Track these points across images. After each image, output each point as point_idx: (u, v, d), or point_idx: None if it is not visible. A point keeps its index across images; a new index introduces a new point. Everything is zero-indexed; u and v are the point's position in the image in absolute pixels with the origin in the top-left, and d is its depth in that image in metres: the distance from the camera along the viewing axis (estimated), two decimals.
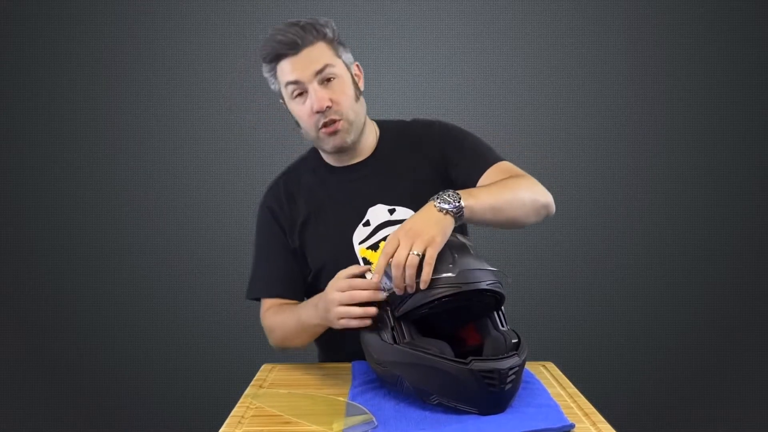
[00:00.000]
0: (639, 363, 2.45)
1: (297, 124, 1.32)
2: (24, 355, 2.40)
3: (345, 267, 1.12)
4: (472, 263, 1.01)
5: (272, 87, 1.31)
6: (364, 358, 1.15)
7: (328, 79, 1.24)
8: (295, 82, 1.24)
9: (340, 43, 1.28)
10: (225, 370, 2.32)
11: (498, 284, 1.02)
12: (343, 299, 1.06)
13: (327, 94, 1.24)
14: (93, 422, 2.41)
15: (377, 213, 1.30)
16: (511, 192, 1.16)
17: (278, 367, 1.30)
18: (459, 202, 1.05)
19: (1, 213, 2.38)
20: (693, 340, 2.46)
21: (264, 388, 1.16)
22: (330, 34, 1.26)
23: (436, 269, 0.99)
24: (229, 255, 2.40)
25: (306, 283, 1.36)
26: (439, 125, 1.37)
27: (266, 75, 1.29)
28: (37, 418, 2.40)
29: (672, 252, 2.45)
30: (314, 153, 1.40)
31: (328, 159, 1.37)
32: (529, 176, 1.25)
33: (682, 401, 2.46)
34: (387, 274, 1.02)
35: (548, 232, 2.41)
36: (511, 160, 1.38)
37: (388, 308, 1.03)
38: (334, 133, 1.26)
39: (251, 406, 1.04)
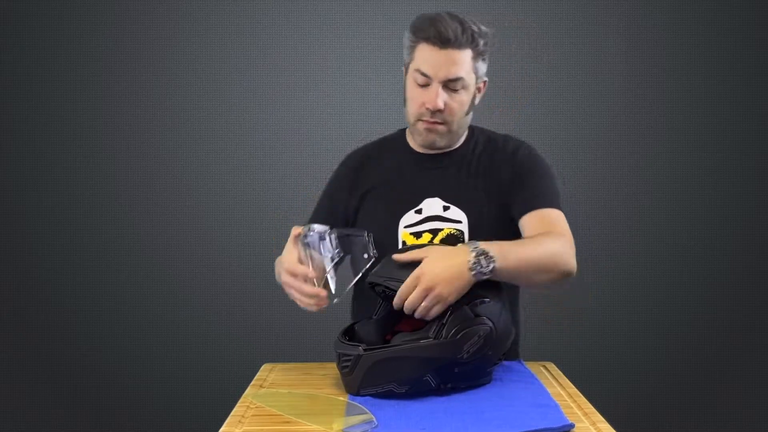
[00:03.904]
0: (639, 363, 2.45)
1: (404, 100, 1.36)
2: (24, 355, 2.40)
3: (386, 245, 1.22)
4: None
5: (404, 53, 1.33)
6: None
7: (454, 89, 1.28)
8: (424, 75, 1.26)
9: (484, 58, 1.31)
10: (225, 370, 2.32)
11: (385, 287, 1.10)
12: (288, 269, 1.15)
13: (445, 98, 1.27)
14: (93, 422, 2.41)
15: (431, 205, 1.33)
16: (538, 261, 1.17)
17: (278, 367, 1.30)
18: (491, 270, 1.07)
19: (1, 213, 2.38)
20: (693, 340, 2.46)
21: (264, 388, 1.16)
22: (482, 46, 1.28)
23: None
24: (229, 255, 2.40)
25: None
26: (523, 152, 1.37)
27: (405, 41, 1.32)
28: (37, 418, 2.40)
29: (672, 252, 2.45)
30: (402, 133, 1.45)
31: (412, 143, 1.41)
32: (563, 238, 1.24)
33: (682, 401, 2.46)
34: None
35: None
36: None
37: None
38: (431, 131, 1.31)
39: (251, 406, 1.04)
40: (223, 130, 2.40)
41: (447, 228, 1.32)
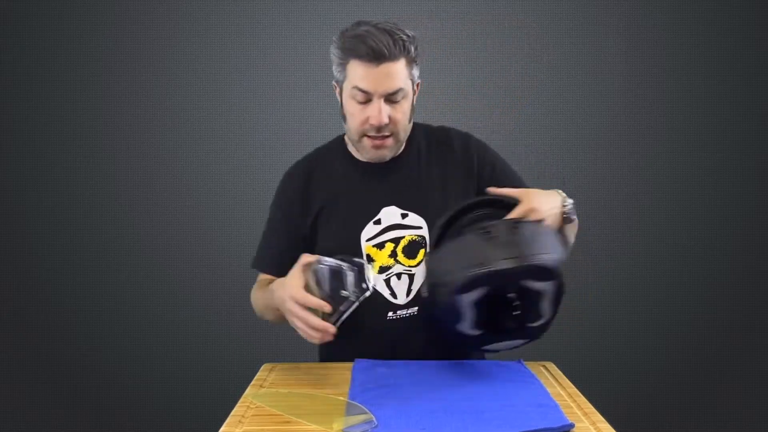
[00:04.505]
0: (639, 363, 2.45)
1: (342, 116, 1.33)
2: (24, 355, 2.40)
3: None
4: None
5: (334, 70, 1.30)
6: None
7: (395, 100, 1.26)
8: (364, 92, 1.24)
9: (416, 62, 1.29)
10: (225, 370, 2.32)
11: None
12: (297, 297, 1.10)
13: (388, 111, 1.26)
14: (93, 422, 2.41)
15: (389, 214, 1.32)
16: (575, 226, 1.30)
17: (278, 367, 1.30)
18: (572, 220, 1.21)
19: (1, 213, 2.38)
20: (693, 340, 2.46)
21: (264, 388, 1.16)
22: (413, 53, 1.27)
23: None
24: (229, 255, 2.39)
25: None
26: (476, 141, 1.39)
27: (334, 58, 1.29)
28: (38, 418, 2.40)
29: (672, 252, 2.45)
30: (340, 142, 1.42)
31: (355, 152, 1.38)
32: None
33: (682, 401, 2.46)
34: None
35: None
36: (511, 161, 1.40)
37: None
38: (379, 147, 1.29)
39: (251, 406, 1.04)
40: (223, 130, 2.40)
41: (408, 235, 1.31)
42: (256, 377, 1.22)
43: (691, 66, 2.42)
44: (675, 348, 2.46)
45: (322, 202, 1.35)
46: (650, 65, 2.41)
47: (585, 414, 1.01)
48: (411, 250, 1.31)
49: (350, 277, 1.09)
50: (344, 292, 1.08)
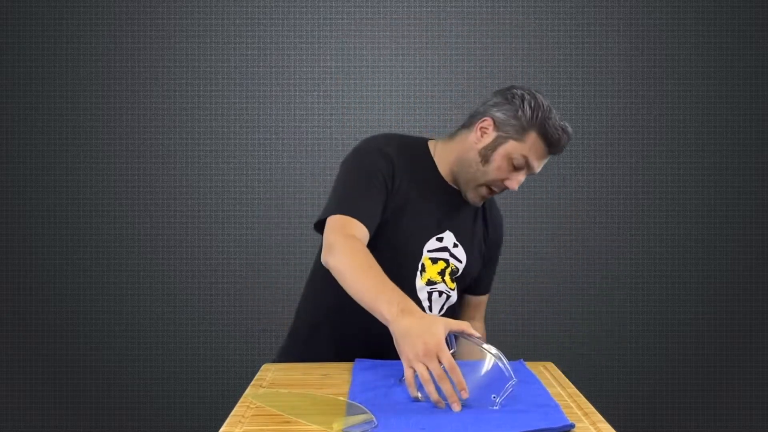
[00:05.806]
0: (639, 363, 2.45)
1: (482, 155, 1.34)
2: (24, 355, 2.40)
3: (405, 263, 1.32)
4: None
5: (506, 119, 1.33)
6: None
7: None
8: (528, 165, 1.33)
9: None
10: (225, 370, 2.32)
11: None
12: (448, 361, 0.99)
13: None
14: (93, 422, 2.41)
15: (448, 237, 1.39)
16: None
17: (278, 367, 1.30)
18: None
19: (1, 213, 2.38)
20: (693, 340, 2.46)
21: (264, 388, 1.16)
22: None
23: None
24: (229, 255, 2.40)
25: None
26: (502, 225, 1.54)
27: (519, 114, 1.31)
28: (37, 418, 2.40)
29: (672, 252, 2.45)
30: (425, 146, 1.43)
31: (446, 173, 1.41)
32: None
33: (682, 401, 2.46)
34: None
35: (549, 232, 2.41)
36: None
37: None
38: (484, 198, 1.39)
39: (251, 406, 1.04)
40: (223, 130, 2.40)
41: (453, 263, 1.39)
42: (256, 377, 1.22)
43: (691, 66, 2.42)
44: (675, 348, 2.46)
45: (406, 197, 1.35)
46: (650, 65, 2.41)
47: (585, 414, 1.01)
48: (452, 275, 1.40)
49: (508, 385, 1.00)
50: (494, 396, 1.00)
